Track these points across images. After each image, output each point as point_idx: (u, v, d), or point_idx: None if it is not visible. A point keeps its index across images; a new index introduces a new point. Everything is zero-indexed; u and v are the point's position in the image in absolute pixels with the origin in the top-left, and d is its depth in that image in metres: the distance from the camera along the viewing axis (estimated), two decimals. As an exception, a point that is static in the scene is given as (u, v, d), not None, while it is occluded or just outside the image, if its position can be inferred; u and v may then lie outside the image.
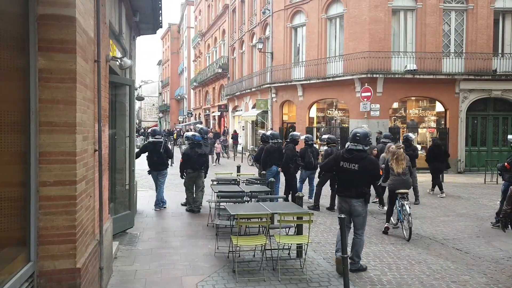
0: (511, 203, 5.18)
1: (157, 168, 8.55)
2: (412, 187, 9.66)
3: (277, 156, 9.43)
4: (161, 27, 8.65)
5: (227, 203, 6.18)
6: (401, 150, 7.57)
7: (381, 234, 7.23)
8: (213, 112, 35.97)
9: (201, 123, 36.75)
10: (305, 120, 20.44)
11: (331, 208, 9.24)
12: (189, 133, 8.91)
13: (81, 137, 3.26)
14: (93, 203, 3.82)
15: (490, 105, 17.80)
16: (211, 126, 35.29)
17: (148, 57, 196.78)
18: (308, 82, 19.58)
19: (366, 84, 17.04)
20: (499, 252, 6.21)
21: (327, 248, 6.31)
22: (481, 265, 5.60)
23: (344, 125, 19.11)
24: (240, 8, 28.73)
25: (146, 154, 8.63)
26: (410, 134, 11.44)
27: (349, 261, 4.83)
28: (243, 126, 27.61)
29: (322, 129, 20.06)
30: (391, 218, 7.57)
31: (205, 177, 8.69)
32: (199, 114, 42.25)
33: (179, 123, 49.50)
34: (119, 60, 5.10)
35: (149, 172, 8.72)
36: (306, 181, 10.03)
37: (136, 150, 8.58)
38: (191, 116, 44.95)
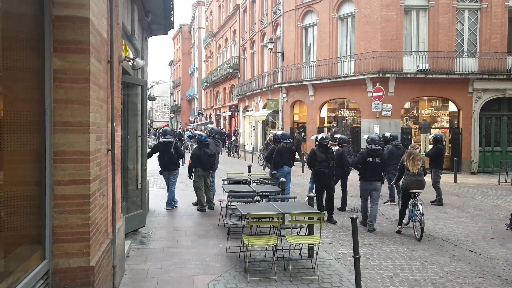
0: None
1: (169, 168, 8.60)
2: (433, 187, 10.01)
3: (288, 156, 9.42)
4: (172, 27, 8.70)
5: (238, 203, 6.18)
6: (417, 150, 7.50)
7: (392, 234, 7.17)
8: (224, 112, 36.08)
9: (212, 123, 36.88)
10: (316, 120, 20.35)
11: (342, 208, 9.18)
12: (197, 132, 8.95)
13: (94, 137, 3.30)
14: (106, 202, 3.86)
15: (504, 105, 17.48)
16: (221, 126, 35.41)
17: (159, 57, 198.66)
18: (319, 82, 19.49)
19: (377, 84, 16.88)
20: (514, 254, 6.10)
21: (338, 248, 6.27)
22: (496, 267, 5.50)
23: (355, 125, 18.97)
24: (251, 8, 28.75)
25: (157, 154, 8.68)
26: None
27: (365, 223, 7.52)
28: (253, 126, 27.62)
29: (334, 129, 19.95)
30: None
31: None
32: (210, 114, 42.44)
33: (190, 123, 49.79)
34: (131, 60, 5.14)
35: (161, 172, 8.78)
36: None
37: (148, 150, 8.65)
38: (202, 116, 45.17)
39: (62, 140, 3.06)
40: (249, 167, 10.27)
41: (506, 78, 16.88)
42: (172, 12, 7.68)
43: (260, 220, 5.42)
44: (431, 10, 17.23)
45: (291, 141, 9.72)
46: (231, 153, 25.13)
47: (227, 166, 17.48)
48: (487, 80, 16.95)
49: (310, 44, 21.20)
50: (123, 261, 4.81)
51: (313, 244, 5.26)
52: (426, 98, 18.25)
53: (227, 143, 26.44)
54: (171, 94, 68.97)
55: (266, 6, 25.53)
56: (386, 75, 16.84)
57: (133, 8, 6.20)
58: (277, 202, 6.32)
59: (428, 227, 7.59)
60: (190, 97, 54.48)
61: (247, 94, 28.10)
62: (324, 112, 20.79)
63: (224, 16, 36.19)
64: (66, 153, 3.07)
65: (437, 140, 10.53)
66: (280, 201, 6.62)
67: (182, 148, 22.98)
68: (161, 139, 8.75)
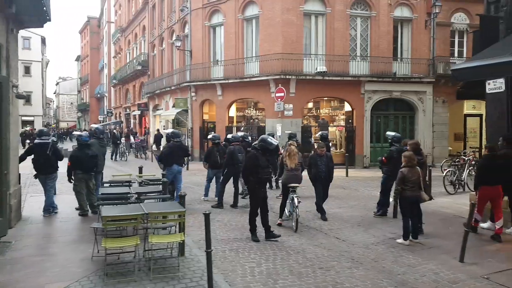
0: None
1: (45, 171, 7.98)
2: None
3: (180, 155, 9.38)
4: (49, 20, 8.05)
5: (103, 206, 5.95)
6: (293, 147, 7.98)
7: (273, 227, 7.46)
8: (134, 111, 34.61)
9: (121, 122, 35.23)
10: (225, 119, 20.53)
11: (234, 205, 9.40)
12: (76, 133, 8.47)
13: None
14: None
15: (391, 105, 19.40)
16: (131, 126, 33.97)
17: (66, 52, 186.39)
18: (227, 81, 19.66)
19: (280, 84, 17.56)
20: (371, 238, 6.79)
21: (213, 244, 6.29)
22: (352, 251, 6.08)
23: (261, 124, 19.54)
24: (159, 4, 27.98)
25: (32, 156, 8.02)
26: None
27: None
28: (164, 126, 26.97)
29: (242, 128, 20.32)
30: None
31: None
32: (120, 113, 40.41)
33: (100, 123, 46.95)
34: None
35: (36, 176, 8.10)
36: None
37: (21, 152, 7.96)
38: (111, 116, 42.85)
39: None
40: (140, 168, 9.99)
41: (392, 81, 18.76)
42: (42, 1, 7.11)
43: (121, 222, 5.30)
44: (328, 16, 18.41)
45: (181, 140, 9.68)
46: (139, 154, 24.22)
47: (130, 168, 16.78)
48: (376, 82, 18.66)
49: (217, 44, 21.30)
50: (-40, 275, 4.35)
51: (176, 241, 5.28)
52: (325, 98, 19.51)
53: (134, 144, 25.38)
54: (79, 91, 64.33)
55: (175, 3, 25.04)
56: (288, 77, 17.61)
57: (-15, -4, 5.63)
58: (153, 202, 6.23)
59: (308, 218, 8.12)
60: (99, 95, 51.34)
61: (156, 92, 27.30)
62: (233, 111, 21.07)
63: (134, 10, 34.71)
64: None
65: (323, 138, 11.31)
66: (161, 200, 6.56)
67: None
68: (36, 140, 8.08)
